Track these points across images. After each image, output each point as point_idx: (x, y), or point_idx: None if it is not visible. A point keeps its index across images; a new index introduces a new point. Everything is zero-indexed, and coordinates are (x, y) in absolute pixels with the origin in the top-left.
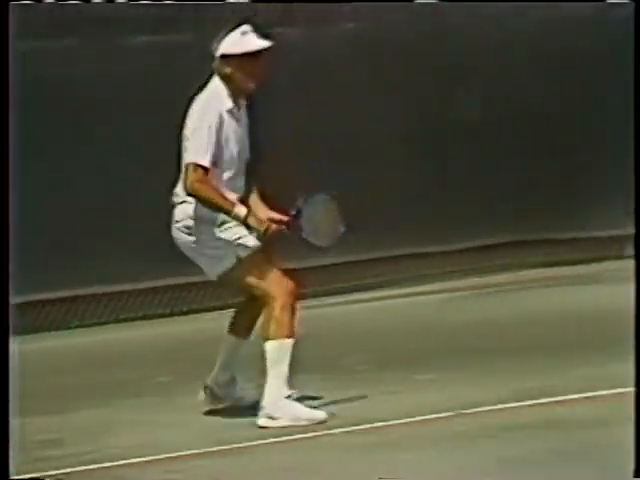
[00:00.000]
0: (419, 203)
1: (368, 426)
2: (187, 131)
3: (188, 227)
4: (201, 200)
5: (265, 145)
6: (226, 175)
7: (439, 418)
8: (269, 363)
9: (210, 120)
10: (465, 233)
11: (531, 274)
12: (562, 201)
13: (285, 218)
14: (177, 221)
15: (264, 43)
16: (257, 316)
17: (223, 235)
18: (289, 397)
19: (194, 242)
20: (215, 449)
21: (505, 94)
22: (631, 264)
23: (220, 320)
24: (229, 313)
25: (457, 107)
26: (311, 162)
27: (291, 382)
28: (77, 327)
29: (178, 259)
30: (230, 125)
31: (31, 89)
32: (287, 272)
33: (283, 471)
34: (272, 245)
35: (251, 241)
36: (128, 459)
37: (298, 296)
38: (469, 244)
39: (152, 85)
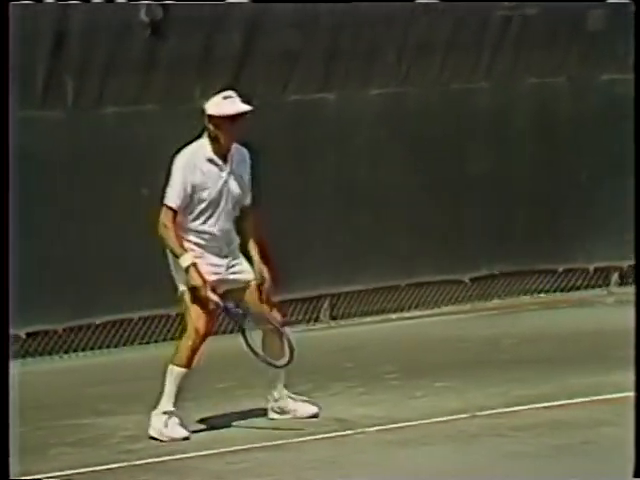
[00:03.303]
0: (436, 242)
1: (396, 425)
2: (171, 174)
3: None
4: (162, 239)
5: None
6: (205, 216)
7: (456, 419)
8: (166, 381)
9: (187, 169)
10: (475, 265)
11: (529, 299)
12: (547, 239)
13: (219, 302)
14: None
15: (241, 108)
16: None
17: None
18: (167, 413)
19: (171, 263)
20: (268, 444)
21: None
22: (617, 291)
23: None
24: None
25: (470, 160)
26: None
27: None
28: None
29: None
30: (210, 174)
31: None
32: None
33: (326, 464)
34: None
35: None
36: (195, 452)
37: (206, 336)
38: (479, 274)
39: None
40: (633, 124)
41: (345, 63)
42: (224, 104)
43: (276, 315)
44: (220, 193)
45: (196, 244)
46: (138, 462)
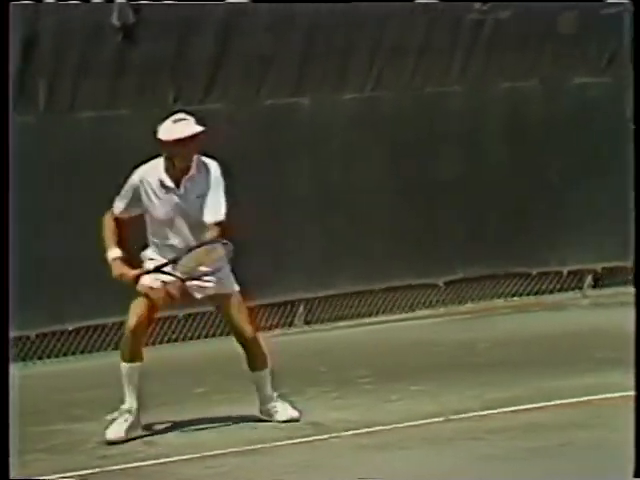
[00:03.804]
0: (410, 245)
1: (371, 429)
2: None
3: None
4: (101, 233)
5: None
6: (156, 234)
7: (431, 423)
8: None
9: (135, 184)
10: (449, 268)
11: (503, 302)
12: (520, 242)
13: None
14: None
15: (191, 131)
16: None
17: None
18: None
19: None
20: (245, 448)
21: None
22: (591, 293)
23: None
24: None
25: (444, 164)
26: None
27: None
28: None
29: None
30: (159, 194)
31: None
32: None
33: (302, 468)
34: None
35: (147, 277)
36: (172, 456)
37: (138, 333)
38: (451, 277)
39: None
40: (633, 124)
41: (319, 66)
42: (174, 128)
43: (249, 327)
44: (172, 215)
45: (156, 252)
46: (114, 467)
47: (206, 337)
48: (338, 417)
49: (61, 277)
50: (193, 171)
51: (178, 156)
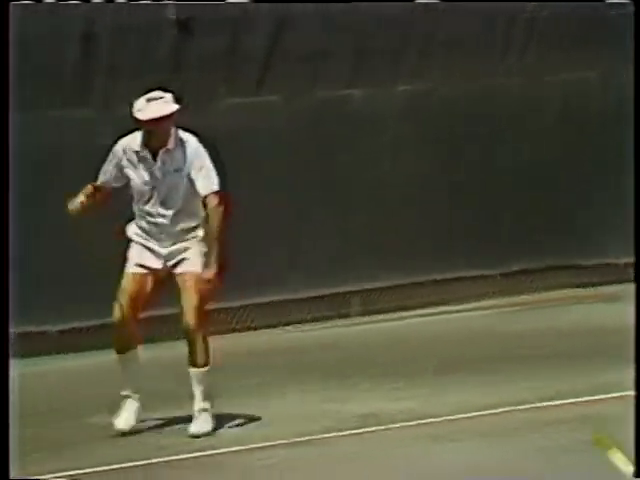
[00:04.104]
0: (466, 237)
1: (426, 420)
2: None
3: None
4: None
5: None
6: (140, 203)
7: (488, 414)
8: None
9: (118, 152)
10: (504, 260)
11: (559, 294)
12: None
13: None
14: None
15: (161, 112)
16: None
17: (130, 246)
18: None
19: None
20: (297, 440)
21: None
22: None
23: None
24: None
25: (498, 157)
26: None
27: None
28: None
29: None
30: (137, 166)
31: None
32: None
33: (354, 459)
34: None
35: (130, 261)
36: (224, 447)
37: (123, 322)
38: (507, 269)
39: None
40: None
41: (372, 59)
42: (148, 107)
43: (193, 318)
44: (148, 186)
45: (139, 227)
46: (168, 458)
47: (262, 328)
48: (393, 408)
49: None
50: (171, 145)
51: (152, 135)
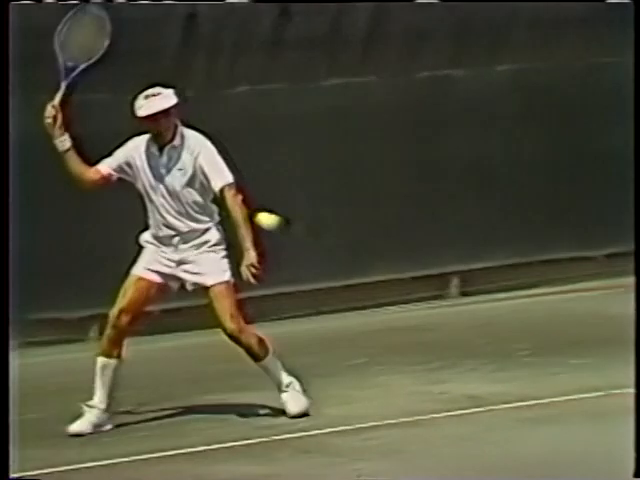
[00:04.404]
0: (570, 217)
1: (530, 403)
2: None
3: None
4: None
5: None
6: (152, 201)
7: (591, 397)
8: None
9: (128, 148)
10: (608, 241)
11: None
12: None
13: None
14: None
15: (152, 110)
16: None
17: (142, 252)
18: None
19: None
20: (402, 420)
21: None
22: None
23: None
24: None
25: (599, 136)
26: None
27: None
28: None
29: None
30: (145, 160)
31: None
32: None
33: (460, 440)
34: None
35: (138, 264)
36: (330, 428)
37: (119, 327)
38: (614, 250)
39: None
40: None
41: (474, 39)
42: (144, 104)
43: (232, 324)
44: (153, 184)
45: (151, 233)
46: (275, 438)
47: (362, 309)
48: (496, 390)
49: None
50: (176, 142)
51: (152, 131)
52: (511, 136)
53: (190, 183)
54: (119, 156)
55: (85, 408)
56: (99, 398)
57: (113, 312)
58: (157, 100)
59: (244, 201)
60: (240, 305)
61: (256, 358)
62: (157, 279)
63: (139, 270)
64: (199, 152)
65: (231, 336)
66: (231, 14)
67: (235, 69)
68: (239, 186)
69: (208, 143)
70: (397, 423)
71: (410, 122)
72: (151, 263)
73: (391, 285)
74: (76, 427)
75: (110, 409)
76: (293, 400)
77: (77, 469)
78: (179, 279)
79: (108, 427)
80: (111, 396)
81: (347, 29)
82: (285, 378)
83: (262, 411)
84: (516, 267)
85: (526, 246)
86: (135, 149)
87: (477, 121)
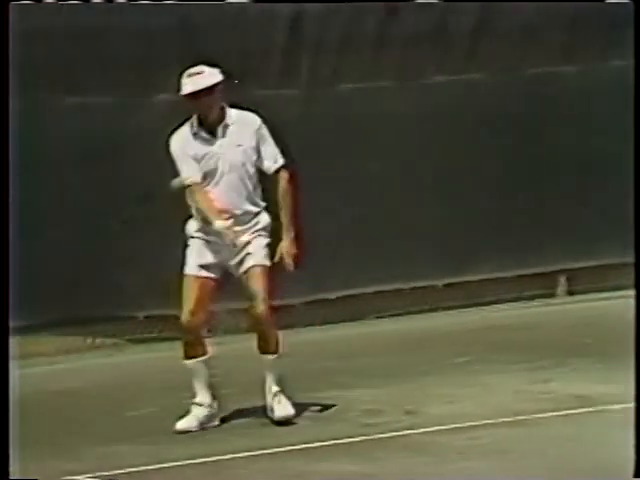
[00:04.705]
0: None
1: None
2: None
3: (187, 232)
4: (200, 212)
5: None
6: (209, 186)
7: None
8: None
9: (180, 148)
10: None
11: None
12: None
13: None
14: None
15: (194, 88)
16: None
17: (188, 247)
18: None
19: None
20: (508, 419)
21: None
22: None
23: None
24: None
25: None
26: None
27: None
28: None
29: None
30: (199, 146)
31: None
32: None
33: (566, 441)
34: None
35: (190, 263)
36: (435, 426)
37: (194, 328)
38: None
39: None
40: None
41: (586, 34)
42: (187, 82)
43: (265, 309)
44: (213, 167)
45: (199, 224)
46: (377, 436)
47: (466, 307)
48: (604, 390)
49: (322, 249)
50: (227, 120)
51: (197, 110)
52: (623, 133)
53: (248, 159)
54: (187, 163)
55: (192, 406)
56: (202, 396)
57: (183, 318)
58: (201, 78)
59: (293, 185)
60: (271, 294)
61: (266, 350)
62: (213, 274)
63: (193, 270)
64: (255, 129)
65: (258, 318)
66: (336, 13)
67: (340, 68)
68: (291, 168)
69: (263, 124)
70: (500, 422)
71: (518, 119)
72: (203, 258)
73: (497, 283)
74: (183, 424)
75: (215, 406)
76: (283, 406)
77: (183, 465)
78: (232, 266)
79: (214, 424)
80: (214, 393)
81: (454, 26)
82: (276, 385)
83: (363, 409)
84: (625, 266)
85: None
86: (184, 145)
87: (587, 118)
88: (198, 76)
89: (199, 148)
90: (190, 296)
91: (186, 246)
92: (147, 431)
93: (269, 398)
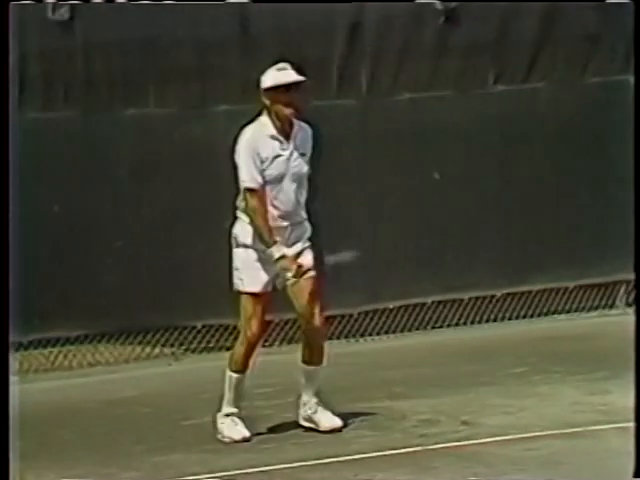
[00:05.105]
0: None
1: None
2: (236, 156)
3: (235, 239)
4: (253, 225)
5: None
6: (273, 191)
7: None
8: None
9: (251, 146)
10: None
11: None
12: None
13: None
14: (231, 233)
15: (295, 78)
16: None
17: (240, 259)
18: (228, 415)
19: (234, 253)
20: (565, 431)
21: None
22: None
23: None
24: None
25: None
26: None
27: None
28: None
29: None
30: (273, 148)
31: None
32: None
33: (624, 454)
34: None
35: (254, 278)
36: (491, 437)
37: (258, 342)
38: None
39: None
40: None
41: None
42: (278, 75)
43: (319, 320)
44: (282, 171)
45: (253, 237)
46: (433, 446)
47: (525, 317)
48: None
49: (381, 259)
50: (297, 126)
51: (284, 104)
52: None
53: (306, 169)
54: (253, 167)
55: (234, 417)
56: (234, 407)
57: (250, 334)
58: (293, 72)
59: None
60: (323, 306)
61: (311, 361)
62: (270, 288)
63: (258, 286)
64: (311, 141)
65: (313, 331)
66: (395, 21)
67: (399, 77)
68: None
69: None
70: (557, 434)
71: (578, 129)
72: (264, 272)
73: (556, 294)
74: (238, 435)
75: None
76: (327, 416)
77: (238, 475)
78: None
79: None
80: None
81: (515, 34)
82: (316, 397)
83: (420, 419)
84: None
85: None
86: (258, 145)
87: None
88: (290, 70)
89: (273, 150)
90: (257, 312)
91: (236, 246)
92: (203, 440)
93: (310, 410)
